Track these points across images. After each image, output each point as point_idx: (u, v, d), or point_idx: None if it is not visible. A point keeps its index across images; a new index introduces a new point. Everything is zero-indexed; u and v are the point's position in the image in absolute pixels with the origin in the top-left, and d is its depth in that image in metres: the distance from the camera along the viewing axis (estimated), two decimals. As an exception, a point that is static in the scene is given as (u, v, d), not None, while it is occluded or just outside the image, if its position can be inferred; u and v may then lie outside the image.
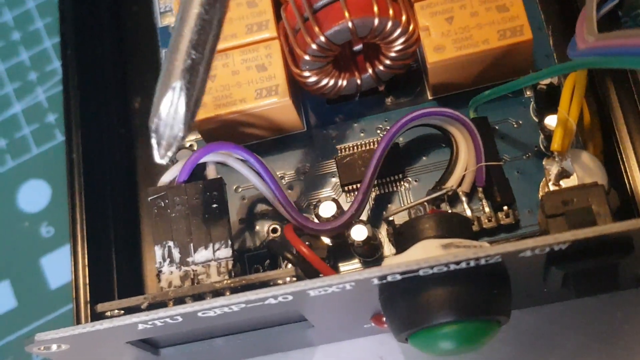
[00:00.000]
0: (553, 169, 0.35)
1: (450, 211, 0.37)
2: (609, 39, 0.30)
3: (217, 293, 0.33)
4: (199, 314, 0.31)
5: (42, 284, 0.43)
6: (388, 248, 0.38)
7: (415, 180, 0.39)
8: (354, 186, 0.39)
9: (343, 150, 0.40)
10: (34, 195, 0.45)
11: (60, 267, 0.43)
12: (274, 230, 0.39)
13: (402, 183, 0.39)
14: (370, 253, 0.38)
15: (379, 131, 0.40)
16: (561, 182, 0.35)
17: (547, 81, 0.37)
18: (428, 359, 0.39)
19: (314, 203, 0.37)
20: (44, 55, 0.48)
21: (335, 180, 0.40)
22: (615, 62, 0.29)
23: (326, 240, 0.38)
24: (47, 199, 0.45)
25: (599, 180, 0.34)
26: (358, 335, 0.39)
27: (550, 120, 0.37)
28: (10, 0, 0.49)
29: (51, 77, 0.47)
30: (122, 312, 0.33)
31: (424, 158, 0.39)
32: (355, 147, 0.40)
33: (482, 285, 0.31)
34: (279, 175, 0.40)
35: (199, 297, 0.33)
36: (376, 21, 0.36)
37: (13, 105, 0.47)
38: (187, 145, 0.41)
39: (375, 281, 0.31)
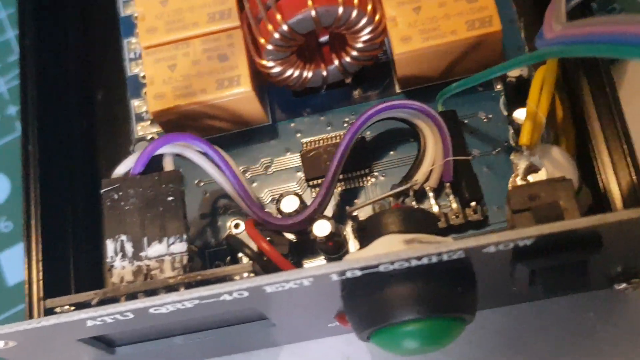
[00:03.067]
0: (521, 164, 0.34)
1: (415, 206, 0.36)
2: (575, 27, 0.29)
3: (171, 289, 0.31)
4: (151, 311, 0.30)
5: (0, 281, 0.42)
6: (353, 245, 0.37)
7: (382, 176, 0.38)
8: (320, 181, 0.38)
9: (309, 144, 0.39)
10: (-8, 190, 0.44)
11: (19, 263, 0.42)
12: (237, 226, 0.38)
13: (368, 178, 0.38)
14: (335, 250, 0.37)
15: (345, 125, 0.39)
16: (530, 177, 0.34)
17: (516, 74, 0.36)
18: (395, 358, 0.38)
19: (277, 198, 0.36)
20: (6, 46, 0.47)
21: (300, 175, 0.39)
22: (581, 50, 0.28)
23: (289, 236, 0.37)
24: (6, 193, 0.44)
25: (569, 176, 0.33)
26: (324, 335, 0.38)
27: (519, 114, 0.36)
28: (-27, -9, 0.48)
29: (13, 69, 0.46)
30: (73, 307, 0.32)
31: (391, 153, 0.38)
32: (321, 141, 0.39)
33: (445, 282, 0.30)
34: (242, 169, 0.39)
35: (151, 292, 0.32)
36: (340, 10, 0.35)
37: (-27, 97, 0.46)
38: (148, 137, 0.40)
39: (335, 277, 0.29)
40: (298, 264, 0.37)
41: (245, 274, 0.32)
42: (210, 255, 0.38)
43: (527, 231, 0.29)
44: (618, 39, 0.26)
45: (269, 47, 0.36)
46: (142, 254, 0.33)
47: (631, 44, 0.26)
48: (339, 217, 0.37)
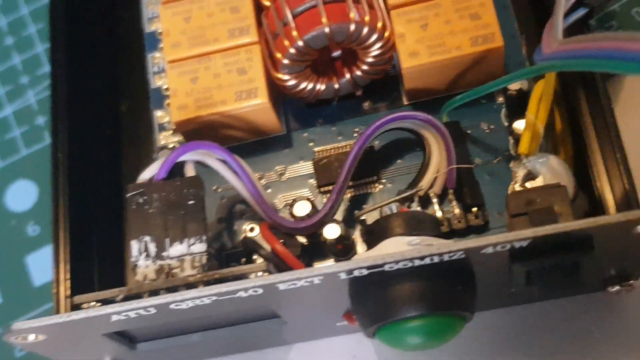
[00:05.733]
0: (520, 171, 0.36)
1: (420, 211, 0.38)
2: (570, 44, 0.31)
3: (191, 286, 0.33)
4: (172, 306, 0.32)
5: (27, 281, 0.44)
6: (361, 248, 0.39)
7: (390, 183, 0.40)
8: (330, 188, 0.40)
9: (321, 152, 0.41)
10: (22, 195, 0.46)
11: (45, 265, 0.44)
12: (252, 230, 0.40)
13: (376, 185, 0.40)
14: (344, 252, 0.38)
15: (355, 134, 0.41)
16: (527, 184, 0.36)
17: (517, 87, 0.38)
18: (401, 358, 0.40)
19: (290, 203, 0.38)
20: (35, 60, 0.49)
21: (312, 181, 0.41)
22: (576, 64, 0.30)
23: (301, 239, 0.39)
24: (34, 198, 0.46)
25: (565, 184, 0.35)
26: (332, 334, 0.40)
27: (519, 124, 0.38)
28: (5, 6, 0.51)
29: (42, 81, 0.49)
30: (99, 304, 0.34)
31: (398, 161, 0.40)
32: (332, 150, 0.41)
33: (446, 281, 0.32)
34: (258, 176, 0.41)
35: (173, 289, 0.34)
36: (352, 27, 0.37)
37: (4, 108, 0.48)
38: (170, 146, 0.42)
39: (343, 275, 0.31)
40: (309, 265, 0.39)
41: (260, 273, 0.34)
42: (226, 257, 0.40)
43: (523, 233, 0.31)
44: (610, 55, 0.28)
45: (285, 61, 0.38)
46: (165, 253, 0.35)
47: (623, 59, 0.28)
48: (348, 222, 0.39)
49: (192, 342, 0.37)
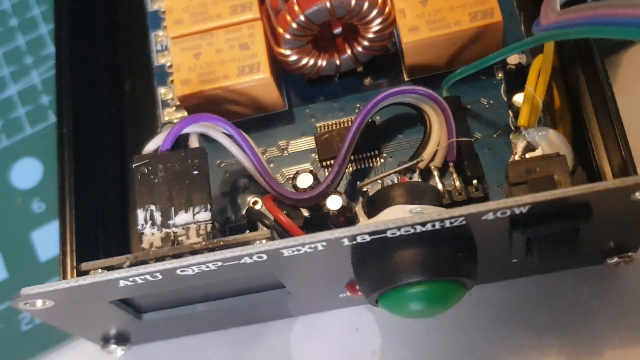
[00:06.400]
0: (519, 143, 0.37)
1: (421, 181, 0.38)
2: (567, 13, 0.31)
3: (196, 253, 0.34)
4: (178, 272, 0.33)
5: (32, 257, 0.45)
6: (364, 220, 0.39)
7: (391, 157, 0.41)
8: (332, 162, 0.40)
9: (322, 128, 0.42)
10: (27, 173, 0.47)
11: (50, 240, 0.45)
12: (255, 203, 0.40)
13: (378, 159, 0.41)
14: (347, 224, 0.39)
15: (357, 110, 0.42)
16: (527, 155, 0.37)
17: (516, 61, 0.39)
18: (402, 330, 0.40)
19: (293, 175, 0.39)
20: (39, 41, 0.50)
21: (314, 156, 0.41)
22: (573, 32, 0.31)
23: (304, 212, 0.39)
24: (39, 176, 0.47)
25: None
26: (335, 307, 0.41)
27: (518, 98, 0.38)
28: (9, -12, 0.51)
29: (46, 61, 0.49)
30: (106, 271, 0.35)
31: (399, 136, 0.41)
32: (334, 125, 0.41)
33: (447, 247, 0.33)
34: (261, 151, 0.41)
35: (178, 256, 0.34)
36: (353, 2, 0.38)
37: (9, 87, 0.49)
38: (174, 122, 0.43)
39: (346, 242, 0.32)
40: (312, 239, 0.40)
41: (264, 240, 0.35)
42: (230, 230, 0.40)
43: (522, 199, 0.31)
44: (608, 21, 0.29)
45: (287, 36, 0.39)
46: (170, 222, 0.35)
47: (621, 24, 0.28)
48: (351, 195, 0.40)
49: (198, 313, 0.38)
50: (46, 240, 0.45)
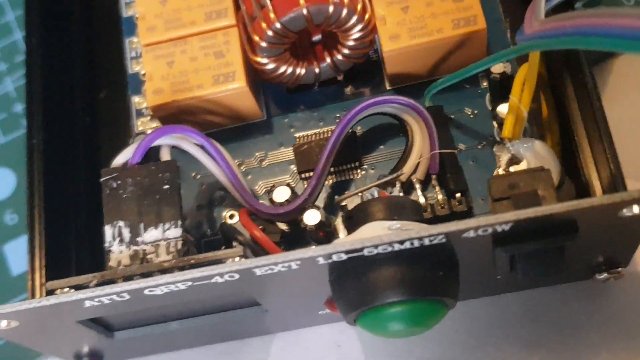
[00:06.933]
0: (503, 156, 0.36)
1: (401, 195, 0.37)
2: (552, 22, 0.30)
3: (166, 272, 0.33)
4: (146, 292, 0.31)
5: (4, 270, 0.44)
6: (343, 235, 0.38)
7: (372, 169, 0.39)
8: (311, 174, 0.39)
9: (302, 138, 0.40)
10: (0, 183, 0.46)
11: (23, 254, 0.43)
12: (231, 217, 0.39)
13: (359, 171, 0.39)
14: (326, 240, 0.38)
15: (337, 120, 0.41)
16: (511, 169, 0.35)
17: (500, 70, 0.37)
18: (385, 346, 0.39)
19: (270, 189, 0.38)
20: (13, 47, 0.49)
21: (293, 167, 0.40)
22: (558, 42, 0.29)
23: (282, 226, 0.38)
24: (12, 187, 0.46)
25: (550, 169, 0.35)
26: (315, 323, 0.40)
27: (502, 108, 0.37)
28: (-18, -6, 0.50)
29: (20, 69, 0.48)
30: (72, 290, 0.34)
31: (381, 147, 0.40)
32: (313, 136, 0.40)
33: (427, 266, 0.32)
34: (238, 163, 0.40)
35: (147, 275, 0.33)
36: (331, 8, 0.36)
37: (-19, 95, 0.48)
38: (148, 132, 0.42)
39: (321, 260, 0.31)
40: (289, 254, 0.38)
41: (237, 258, 0.33)
42: (205, 245, 0.39)
43: (504, 216, 0.30)
44: (593, 32, 0.27)
45: (263, 44, 0.37)
46: (139, 239, 0.34)
47: (605, 35, 0.27)
48: (330, 209, 0.39)
49: (171, 331, 0.37)
50: (19, 254, 0.44)
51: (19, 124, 0.47)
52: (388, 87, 0.41)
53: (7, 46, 0.49)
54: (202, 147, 0.37)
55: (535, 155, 0.36)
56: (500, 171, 0.35)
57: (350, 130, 0.38)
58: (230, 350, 0.40)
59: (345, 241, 0.30)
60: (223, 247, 0.38)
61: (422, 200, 0.37)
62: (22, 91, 0.47)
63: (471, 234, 0.30)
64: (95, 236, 0.41)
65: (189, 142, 0.36)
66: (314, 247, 0.35)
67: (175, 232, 0.34)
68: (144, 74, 0.43)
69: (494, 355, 0.38)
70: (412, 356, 0.39)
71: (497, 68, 0.37)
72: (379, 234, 0.33)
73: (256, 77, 0.40)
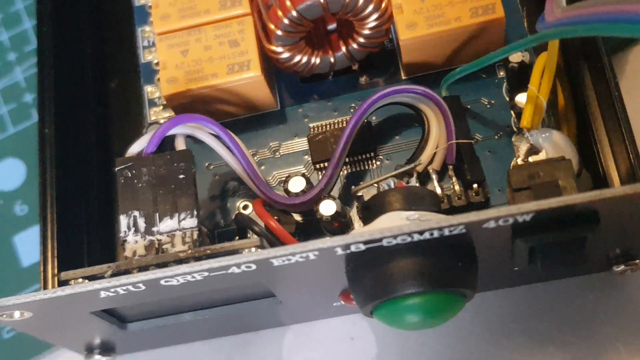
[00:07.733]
0: (522, 146, 0.35)
1: (419, 186, 0.36)
2: (573, 10, 0.30)
3: (181, 262, 0.32)
4: (162, 282, 0.31)
5: (15, 262, 0.43)
6: (359, 226, 0.38)
7: (387, 159, 0.39)
8: (326, 164, 0.39)
9: (316, 128, 0.40)
10: (9, 174, 0.45)
11: (33, 245, 0.43)
12: (245, 208, 0.39)
13: (374, 161, 0.39)
14: (341, 230, 0.37)
15: (352, 110, 0.40)
16: (530, 159, 0.35)
17: (518, 59, 0.37)
18: (398, 339, 0.39)
19: (285, 179, 0.37)
20: (23, 37, 0.48)
21: (307, 158, 0.40)
22: (580, 30, 0.29)
23: (296, 217, 0.38)
24: (22, 177, 0.45)
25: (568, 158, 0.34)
26: (329, 315, 0.39)
27: (521, 98, 0.37)
28: (-8, -17, 0.50)
29: (29, 58, 0.48)
30: (86, 280, 0.33)
31: (396, 137, 0.39)
32: (328, 126, 0.40)
33: (447, 257, 0.31)
34: (252, 153, 0.40)
35: (163, 265, 0.33)
36: (348, -4, 0.36)
37: (-9, 85, 0.47)
38: (161, 122, 0.41)
39: (339, 251, 0.30)
40: (304, 244, 0.38)
41: (253, 249, 0.33)
42: (219, 236, 0.39)
43: (526, 206, 0.29)
44: (616, 18, 0.27)
45: (278, 32, 0.37)
46: (154, 229, 0.34)
47: (628, 22, 0.27)
48: (345, 200, 0.38)
49: (185, 322, 0.36)
50: (29, 245, 0.44)
51: (28, 114, 0.46)
52: (404, 77, 0.40)
53: (16, 35, 0.48)
54: (217, 136, 0.36)
55: (553, 145, 0.36)
56: (519, 161, 0.35)
57: (365, 120, 0.38)
58: (242, 342, 0.40)
59: (364, 231, 0.30)
60: (237, 238, 0.38)
61: (438, 191, 0.37)
62: (32, 81, 0.47)
63: (492, 224, 0.30)
64: (107, 227, 0.41)
65: (204, 131, 0.36)
66: (331, 237, 0.35)
67: (191, 222, 0.33)
68: (156, 63, 0.42)
69: (508, 349, 0.38)
70: (426, 349, 0.39)
71: (516, 57, 0.37)
72: (396, 224, 0.32)
73: (271, 66, 0.40)
